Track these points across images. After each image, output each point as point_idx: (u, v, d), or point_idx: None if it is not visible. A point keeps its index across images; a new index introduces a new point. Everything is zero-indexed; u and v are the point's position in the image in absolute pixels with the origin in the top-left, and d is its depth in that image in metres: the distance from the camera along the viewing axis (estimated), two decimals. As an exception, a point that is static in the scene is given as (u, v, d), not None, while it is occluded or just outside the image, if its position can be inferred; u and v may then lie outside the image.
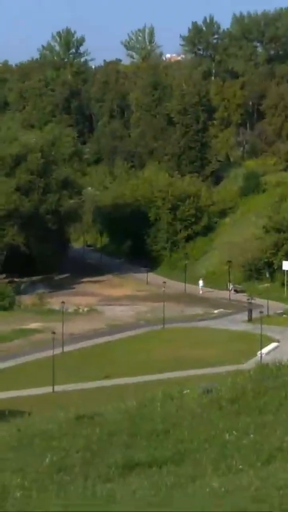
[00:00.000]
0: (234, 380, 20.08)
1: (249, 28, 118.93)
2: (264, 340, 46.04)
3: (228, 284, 70.84)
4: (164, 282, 64.62)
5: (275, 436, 11.98)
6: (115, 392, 34.83)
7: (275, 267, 70.85)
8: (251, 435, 12.18)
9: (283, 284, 68.90)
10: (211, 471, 9.64)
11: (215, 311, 65.34)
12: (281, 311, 62.32)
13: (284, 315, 61.02)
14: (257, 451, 10.69)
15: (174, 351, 46.69)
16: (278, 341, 48.53)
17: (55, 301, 62.27)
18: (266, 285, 69.16)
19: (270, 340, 48.14)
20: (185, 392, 19.60)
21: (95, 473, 10.94)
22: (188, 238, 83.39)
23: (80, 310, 63.82)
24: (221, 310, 65.64)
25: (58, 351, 43.26)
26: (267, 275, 72.46)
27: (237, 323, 57.82)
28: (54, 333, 43.83)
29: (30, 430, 16.87)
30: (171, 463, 10.94)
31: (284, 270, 68.37)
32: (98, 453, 12.63)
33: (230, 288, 70.34)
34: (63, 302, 55.84)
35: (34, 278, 74.98)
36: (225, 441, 11.92)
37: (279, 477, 8.36)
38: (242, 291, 68.95)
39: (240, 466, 9.81)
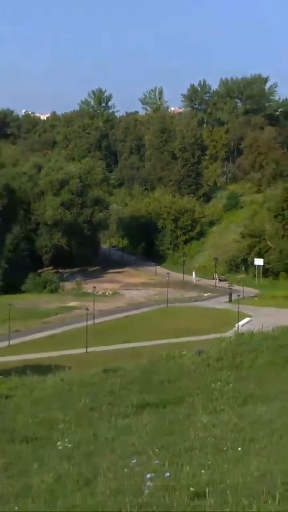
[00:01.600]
0: (218, 344, 19.85)
1: (232, 89, 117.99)
2: (240, 316, 45.51)
3: (214, 275, 70.58)
4: (168, 273, 64.08)
5: (249, 386, 11.82)
6: (132, 352, 34.72)
7: (249, 263, 70.96)
8: (231, 385, 12.03)
9: (254, 275, 68.90)
10: (201, 410, 9.53)
11: (205, 294, 64.75)
12: (253, 295, 61.84)
13: (255, 298, 60.57)
14: (235, 397, 10.55)
15: (175, 323, 46.26)
16: (250, 316, 47.87)
17: (88, 286, 62.26)
18: (242, 276, 68.54)
19: (245, 316, 47.59)
20: (183, 353, 19.42)
21: (117, 411, 10.88)
22: (186, 241, 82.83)
23: (107, 293, 63.77)
24: (209, 293, 65.16)
25: (90, 322, 43.13)
26: (243, 269, 72.39)
27: (221, 303, 57.17)
28: (87, 309, 44.27)
29: (70, 380, 16.83)
30: (172, 404, 10.83)
31: (255, 265, 68.58)
32: (119, 396, 12.56)
33: (216, 278, 69.97)
34: (94, 287, 55.96)
35: (73, 269, 75.28)
36: (212, 389, 11.79)
37: (251, 415, 8.24)
38: (224, 280, 68.21)
39: (223, 407, 9.68)
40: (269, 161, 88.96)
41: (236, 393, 10.79)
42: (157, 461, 4.88)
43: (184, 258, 73.78)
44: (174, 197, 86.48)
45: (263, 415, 8.00)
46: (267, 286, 66.06)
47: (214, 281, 69.63)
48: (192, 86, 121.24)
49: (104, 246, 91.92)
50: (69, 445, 7.56)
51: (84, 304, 52.31)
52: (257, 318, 44.31)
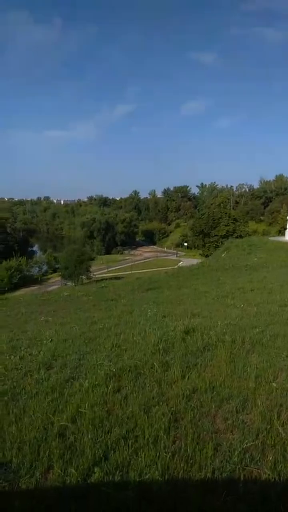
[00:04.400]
0: (171, 271, 38.19)
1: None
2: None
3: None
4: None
5: (180, 281, 29.85)
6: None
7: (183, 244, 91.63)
8: (180, 278, 30.07)
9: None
10: (167, 290, 27.41)
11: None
12: (184, 254, 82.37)
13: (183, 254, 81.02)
14: (179, 286, 28.49)
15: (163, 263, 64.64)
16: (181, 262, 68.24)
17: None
18: (180, 249, 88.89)
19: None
20: (165, 271, 37.78)
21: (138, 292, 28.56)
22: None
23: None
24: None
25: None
26: (181, 246, 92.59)
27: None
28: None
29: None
30: (163, 289, 28.55)
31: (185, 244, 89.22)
32: (137, 290, 29.95)
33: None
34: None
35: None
36: (170, 284, 29.70)
37: (180, 292, 26.34)
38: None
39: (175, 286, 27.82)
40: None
41: (180, 283, 28.98)
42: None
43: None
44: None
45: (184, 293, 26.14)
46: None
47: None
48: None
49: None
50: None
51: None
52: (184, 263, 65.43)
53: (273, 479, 3.31)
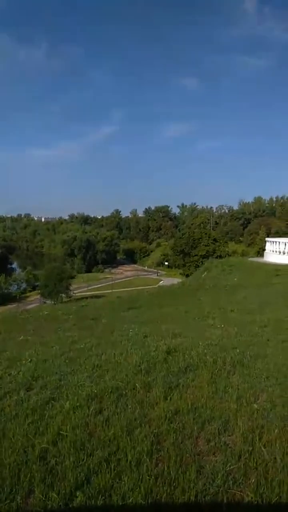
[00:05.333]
0: (153, 290, 38.31)
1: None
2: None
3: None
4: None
5: (166, 300, 30.06)
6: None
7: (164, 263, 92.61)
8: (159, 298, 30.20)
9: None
10: (147, 308, 27.51)
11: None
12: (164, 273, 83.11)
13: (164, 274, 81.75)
14: (160, 305, 28.60)
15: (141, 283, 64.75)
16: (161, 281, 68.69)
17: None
18: (160, 267, 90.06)
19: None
20: (146, 291, 37.83)
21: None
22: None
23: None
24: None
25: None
26: (161, 265, 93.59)
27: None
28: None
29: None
30: (144, 308, 28.67)
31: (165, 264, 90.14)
32: (118, 309, 30.09)
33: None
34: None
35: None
36: (153, 302, 29.80)
37: (161, 311, 26.47)
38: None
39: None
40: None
41: (161, 302, 29.06)
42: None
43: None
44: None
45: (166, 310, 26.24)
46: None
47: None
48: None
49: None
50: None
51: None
52: (165, 282, 65.57)
53: (255, 502, 3.31)
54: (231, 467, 3.81)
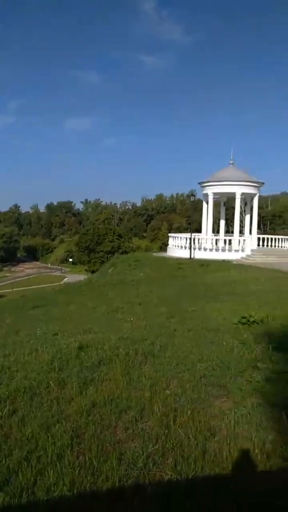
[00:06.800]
0: (58, 287, 37.60)
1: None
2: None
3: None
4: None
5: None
6: None
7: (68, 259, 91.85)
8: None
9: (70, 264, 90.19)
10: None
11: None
12: (69, 269, 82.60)
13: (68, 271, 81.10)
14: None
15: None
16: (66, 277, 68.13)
17: None
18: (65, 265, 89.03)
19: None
20: (51, 288, 36.55)
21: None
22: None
23: None
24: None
25: None
26: (66, 262, 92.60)
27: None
28: None
29: None
30: (50, 306, 27.98)
31: (70, 260, 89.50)
32: (22, 309, 28.92)
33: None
34: None
35: None
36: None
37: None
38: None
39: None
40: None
41: (68, 299, 28.72)
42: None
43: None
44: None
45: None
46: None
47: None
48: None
49: None
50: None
51: None
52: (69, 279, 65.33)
53: (175, 479, 3.56)
54: (150, 450, 4.03)
